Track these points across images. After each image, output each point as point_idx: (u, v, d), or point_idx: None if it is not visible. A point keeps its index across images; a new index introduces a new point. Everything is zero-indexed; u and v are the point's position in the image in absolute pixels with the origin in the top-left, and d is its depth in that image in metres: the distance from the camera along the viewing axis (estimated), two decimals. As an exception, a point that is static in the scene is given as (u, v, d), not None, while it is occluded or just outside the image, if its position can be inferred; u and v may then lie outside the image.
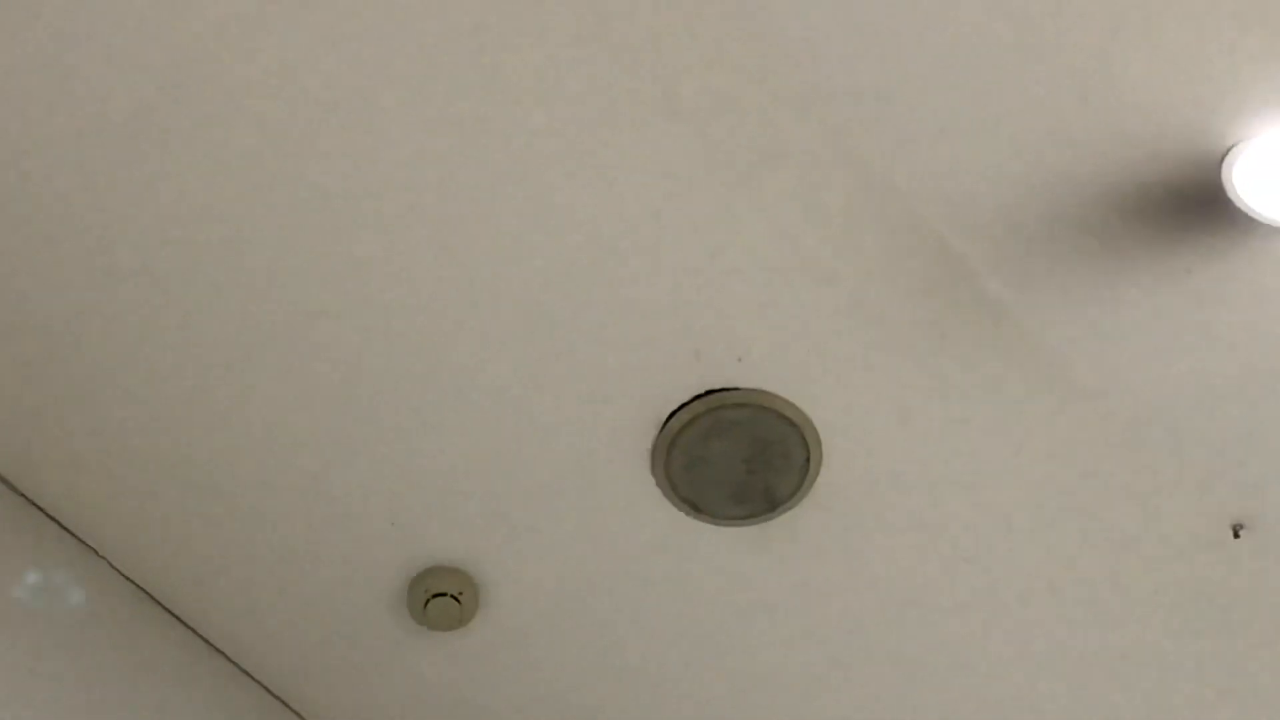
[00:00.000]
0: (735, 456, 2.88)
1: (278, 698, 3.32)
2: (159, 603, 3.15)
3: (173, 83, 2.44)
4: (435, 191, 2.58)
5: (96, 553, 3.05)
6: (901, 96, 2.43)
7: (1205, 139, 2.38)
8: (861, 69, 2.40)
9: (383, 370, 2.80)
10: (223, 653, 3.23)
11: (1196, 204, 2.45)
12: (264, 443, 2.91)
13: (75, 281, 2.68)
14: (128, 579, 3.10)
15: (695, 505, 2.95)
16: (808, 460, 2.88)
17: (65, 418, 2.87)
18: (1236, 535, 2.90)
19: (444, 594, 3.08)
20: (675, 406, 2.84)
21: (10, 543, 2.92)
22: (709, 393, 2.82)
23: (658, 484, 2.94)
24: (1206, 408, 2.74)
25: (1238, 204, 2.40)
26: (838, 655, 3.21)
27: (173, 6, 2.35)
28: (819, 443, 2.86)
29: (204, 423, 2.88)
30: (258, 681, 3.29)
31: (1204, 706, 3.20)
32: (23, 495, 2.97)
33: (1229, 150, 2.37)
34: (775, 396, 2.82)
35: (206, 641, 3.21)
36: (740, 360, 2.78)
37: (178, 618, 3.17)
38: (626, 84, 2.45)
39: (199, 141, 2.51)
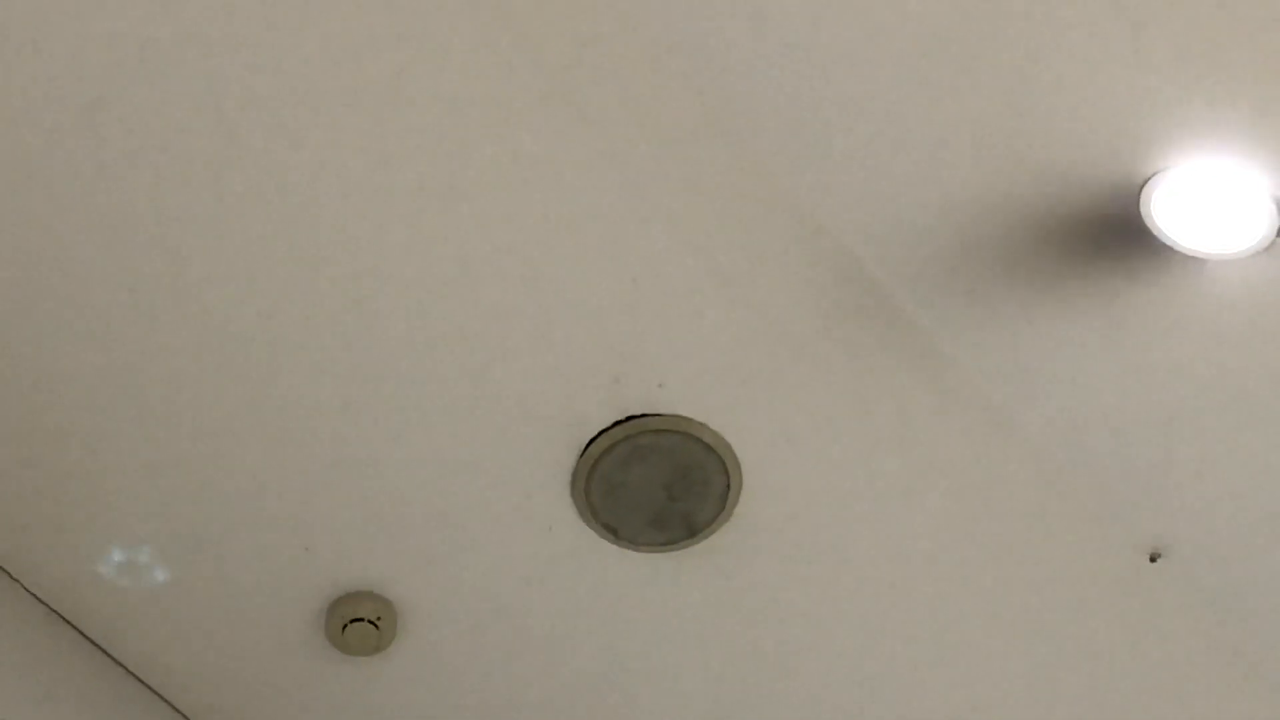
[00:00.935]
0: (655, 482, 2.87)
1: (194, 723, 3.30)
2: (70, 624, 3.10)
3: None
4: (350, 218, 2.56)
5: (9, 574, 3.01)
6: (822, 124, 2.43)
7: (1124, 168, 2.38)
8: (781, 96, 2.41)
9: (299, 394, 2.78)
10: (137, 677, 3.19)
11: (1115, 233, 2.46)
12: (180, 466, 2.88)
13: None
14: (38, 600, 3.06)
15: (615, 531, 2.94)
16: (728, 487, 2.87)
17: None
18: (1153, 561, 2.91)
19: (362, 619, 3.05)
20: (595, 432, 2.83)
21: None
22: (629, 418, 2.81)
23: (578, 509, 2.92)
24: (1125, 433, 2.76)
25: (1156, 233, 2.41)
26: (757, 682, 3.20)
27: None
28: (739, 469, 2.85)
29: (116, 445, 2.85)
30: (173, 706, 3.25)
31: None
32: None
33: (1148, 180, 2.38)
34: (695, 422, 2.81)
35: (120, 665, 3.17)
36: (661, 386, 2.77)
37: (90, 640, 3.13)
38: (545, 108, 2.44)
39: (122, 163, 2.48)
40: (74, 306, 2.65)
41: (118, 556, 3.01)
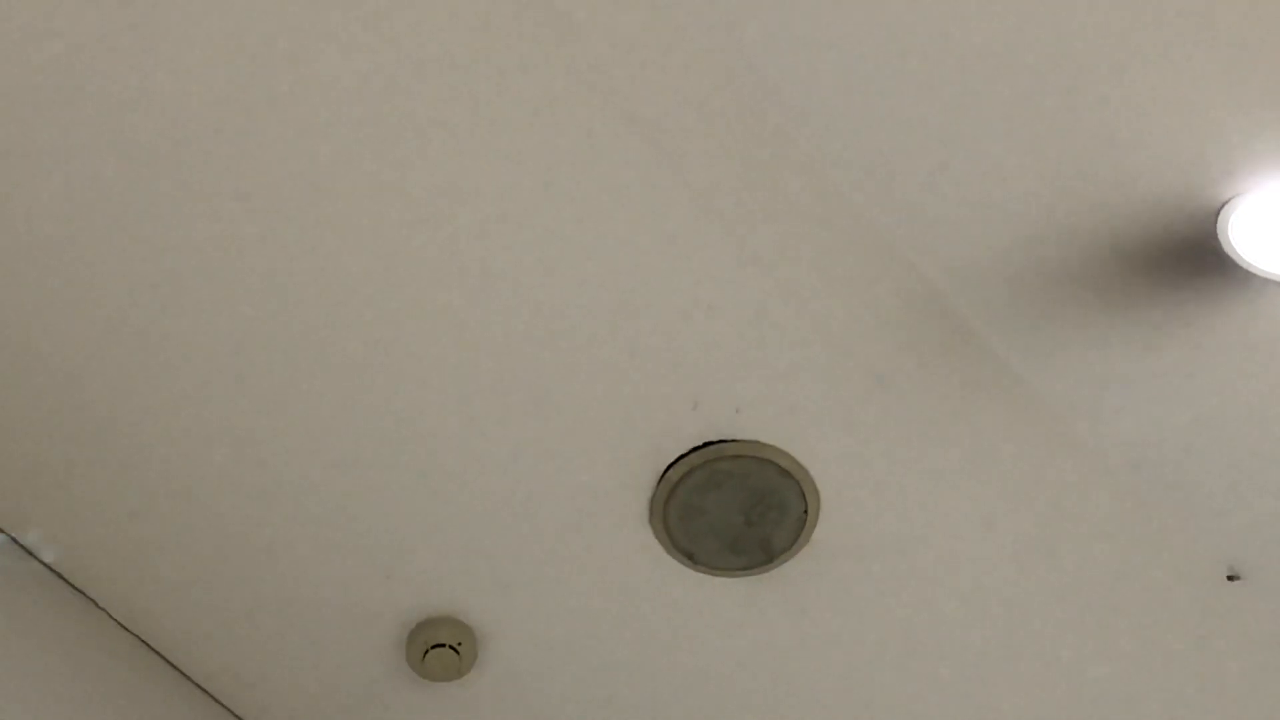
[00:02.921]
0: (733, 508, 2.88)
1: (276, 748, 3.32)
2: (157, 652, 3.14)
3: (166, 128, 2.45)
4: (432, 245, 2.59)
5: (95, 604, 3.05)
6: (899, 151, 2.44)
7: (1202, 192, 2.38)
8: (857, 123, 2.41)
9: (380, 421, 2.81)
10: (221, 703, 3.22)
11: (1193, 257, 2.46)
12: (263, 494, 2.91)
13: (74, 325, 2.69)
14: (125, 629, 3.09)
15: (693, 556, 2.95)
16: (805, 512, 2.88)
17: (60, 464, 2.87)
18: (1232, 581, 2.90)
19: (442, 645, 3.07)
20: (673, 458, 2.84)
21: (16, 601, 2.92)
22: (707, 444, 2.82)
23: (656, 535, 2.93)
24: (1203, 457, 2.75)
25: (1234, 257, 2.41)
26: (834, 706, 3.20)
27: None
28: (816, 494, 2.86)
29: (200, 471, 2.88)
30: (256, 732, 3.28)
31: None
32: (15, 542, 2.96)
33: (1225, 204, 2.38)
34: (772, 448, 2.82)
35: (205, 691, 3.20)
36: (738, 412, 2.78)
37: (175, 667, 3.16)
38: (624, 136, 2.46)
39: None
40: (173, 335, 2.70)
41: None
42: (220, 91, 2.42)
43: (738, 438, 2.81)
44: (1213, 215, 2.39)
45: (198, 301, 2.65)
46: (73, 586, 3.02)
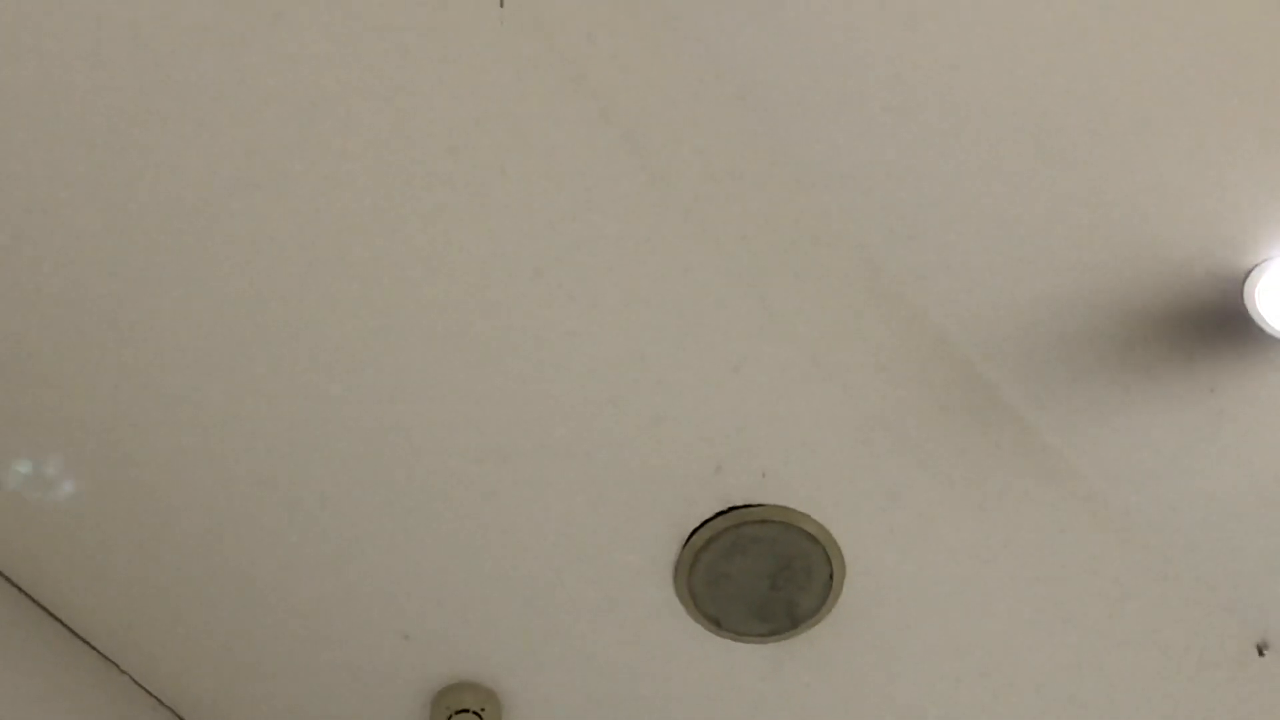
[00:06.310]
0: (758, 573, 2.87)
1: (298, 815, 3.30)
2: (180, 716, 3.13)
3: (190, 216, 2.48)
4: (455, 311, 2.60)
5: (119, 668, 3.05)
6: (926, 217, 2.45)
7: (1227, 259, 2.39)
8: (885, 192, 2.43)
9: (404, 487, 2.81)
10: (244, 769, 3.22)
11: (1219, 323, 2.46)
12: (290, 559, 2.91)
13: (115, 398, 2.70)
14: (149, 693, 3.09)
15: (718, 621, 2.94)
16: (831, 577, 2.87)
17: (90, 539, 2.89)
18: (1261, 654, 2.88)
19: (466, 710, 3.06)
20: (698, 522, 2.83)
21: (30, 658, 2.93)
22: (732, 509, 2.82)
23: (680, 600, 2.92)
24: (1230, 525, 2.74)
25: (1259, 323, 2.41)
26: (861, 774, 3.18)
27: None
28: (842, 559, 2.85)
29: (224, 533, 2.88)
30: (278, 799, 3.27)
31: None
32: (44, 609, 2.97)
33: (1251, 270, 2.38)
34: (798, 513, 2.81)
35: (227, 758, 3.20)
36: (764, 476, 2.78)
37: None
38: (651, 199, 2.48)
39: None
40: (189, 401, 2.71)
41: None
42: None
43: (764, 502, 2.81)
44: (1239, 281, 2.39)
45: (246, 385, 2.67)
46: (91, 646, 3.02)
